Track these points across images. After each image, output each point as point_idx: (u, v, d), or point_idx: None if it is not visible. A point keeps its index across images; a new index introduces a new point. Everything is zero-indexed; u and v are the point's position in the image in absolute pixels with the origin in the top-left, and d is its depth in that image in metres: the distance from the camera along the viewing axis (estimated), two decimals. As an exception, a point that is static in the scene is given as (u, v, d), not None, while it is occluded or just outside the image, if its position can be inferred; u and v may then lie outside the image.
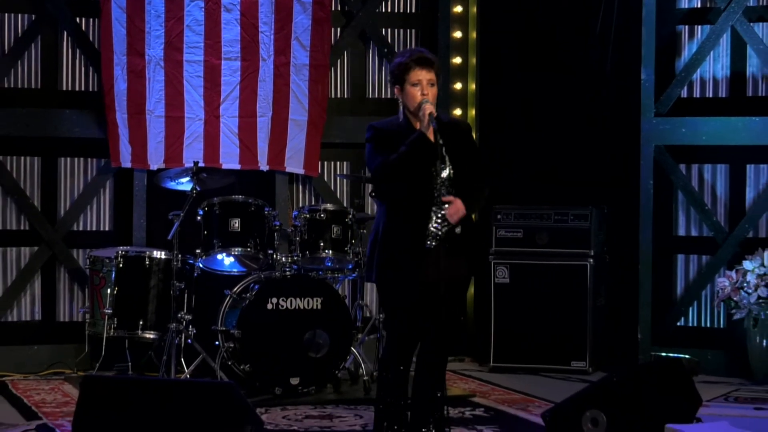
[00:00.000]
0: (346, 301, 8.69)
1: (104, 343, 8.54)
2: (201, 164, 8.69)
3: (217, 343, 8.28)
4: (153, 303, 8.60)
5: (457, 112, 9.93)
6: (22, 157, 9.27)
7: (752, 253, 8.94)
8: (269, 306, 8.21)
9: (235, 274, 8.63)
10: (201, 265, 8.46)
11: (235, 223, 8.39)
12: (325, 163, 9.80)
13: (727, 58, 9.38)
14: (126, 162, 9.19)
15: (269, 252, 8.44)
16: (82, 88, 9.37)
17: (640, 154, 9.30)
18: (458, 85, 10.03)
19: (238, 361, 8.17)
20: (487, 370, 9.34)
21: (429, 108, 6.12)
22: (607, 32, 9.60)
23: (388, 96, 9.86)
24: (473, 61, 10.06)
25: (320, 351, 8.25)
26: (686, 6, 9.50)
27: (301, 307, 8.25)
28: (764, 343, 8.86)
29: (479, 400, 8.18)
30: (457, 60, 10.02)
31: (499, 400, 8.21)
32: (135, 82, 9.16)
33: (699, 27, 9.44)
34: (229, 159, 9.34)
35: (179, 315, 8.24)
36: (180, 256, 8.30)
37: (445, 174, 6.18)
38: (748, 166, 9.33)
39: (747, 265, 8.87)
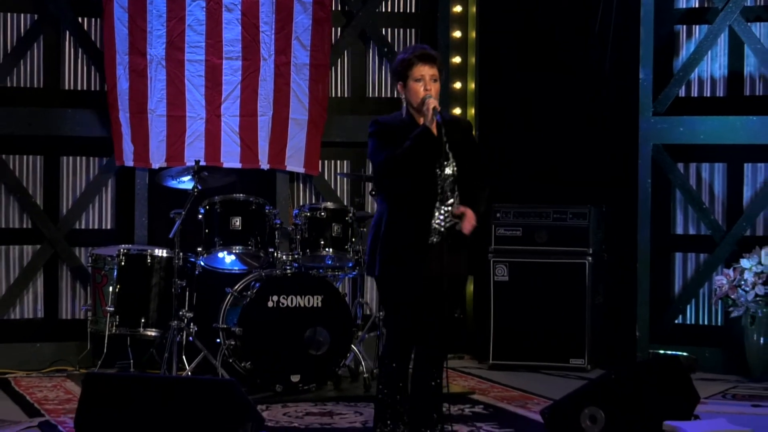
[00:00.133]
0: (347, 298, 8.74)
1: (106, 341, 8.54)
2: (202, 163, 8.68)
3: (218, 340, 8.29)
4: (154, 301, 8.62)
5: (457, 111, 9.95)
6: (25, 156, 9.29)
7: (750, 251, 8.96)
8: (270, 304, 8.23)
9: (236, 272, 8.65)
10: (202, 263, 8.48)
11: (236, 222, 8.40)
12: (326, 161, 9.82)
13: (724, 58, 9.40)
14: (129, 161, 9.21)
15: (270, 250, 8.45)
16: (84, 88, 9.40)
17: (639, 153, 9.31)
18: (458, 85, 10.05)
19: (239, 358, 8.19)
20: (487, 367, 9.36)
21: (433, 102, 6.13)
22: (606, 32, 9.61)
23: (388, 95, 9.90)
24: (473, 60, 10.08)
25: (321, 348, 8.27)
26: (684, 6, 9.52)
27: (302, 304, 8.27)
28: (761, 341, 8.88)
29: (478, 398, 8.19)
30: (457, 60, 10.04)
31: (498, 398, 8.23)
32: (137, 82, 9.19)
33: (697, 27, 9.46)
34: (230, 158, 9.36)
35: (181, 313, 8.26)
36: (181, 254, 8.31)
37: (449, 171, 6.21)
38: (745, 164, 9.35)
39: (744, 263, 8.89)
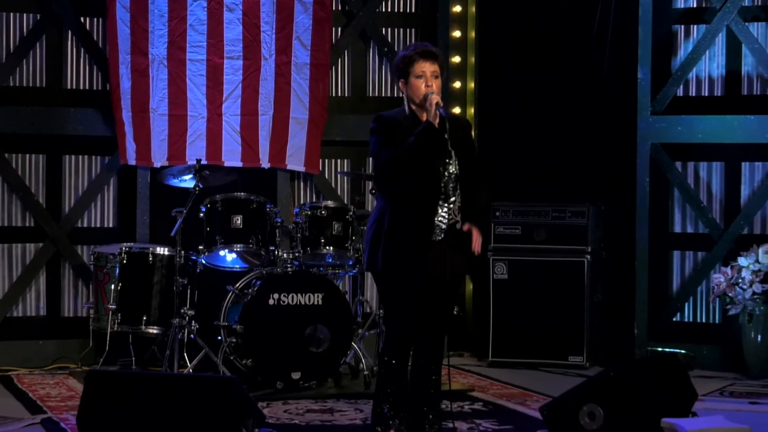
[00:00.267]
0: (347, 296, 8.75)
1: (108, 338, 8.55)
2: (204, 162, 8.70)
3: (219, 338, 8.31)
4: (156, 299, 8.64)
5: (456, 110, 9.95)
6: (27, 155, 9.31)
7: (747, 249, 8.97)
8: (271, 302, 8.24)
9: (237, 270, 8.67)
10: (203, 262, 8.50)
11: (237, 220, 8.42)
12: (326, 160, 9.84)
13: (722, 57, 9.41)
14: (131, 159, 9.23)
15: (271, 248, 8.47)
16: (87, 87, 9.42)
17: (637, 152, 9.33)
18: (457, 84, 10.07)
19: (240, 355, 8.21)
20: (486, 365, 9.39)
21: (435, 98, 6.14)
22: (605, 32, 9.62)
23: (389, 95, 9.92)
24: (472, 60, 10.09)
25: (321, 346, 8.29)
26: (682, 6, 9.53)
27: (303, 302, 8.28)
28: (759, 338, 8.90)
29: (478, 395, 8.21)
30: (456, 59, 10.06)
31: (497, 395, 8.25)
32: (139, 81, 9.22)
33: (695, 26, 9.48)
34: (232, 157, 9.38)
35: (182, 310, 8.28)
36: (183, 252, 8.32)
37: (452, 169, 6.22)
38: (743, 163, 9.37)
39: (742, 261, 8.90)
